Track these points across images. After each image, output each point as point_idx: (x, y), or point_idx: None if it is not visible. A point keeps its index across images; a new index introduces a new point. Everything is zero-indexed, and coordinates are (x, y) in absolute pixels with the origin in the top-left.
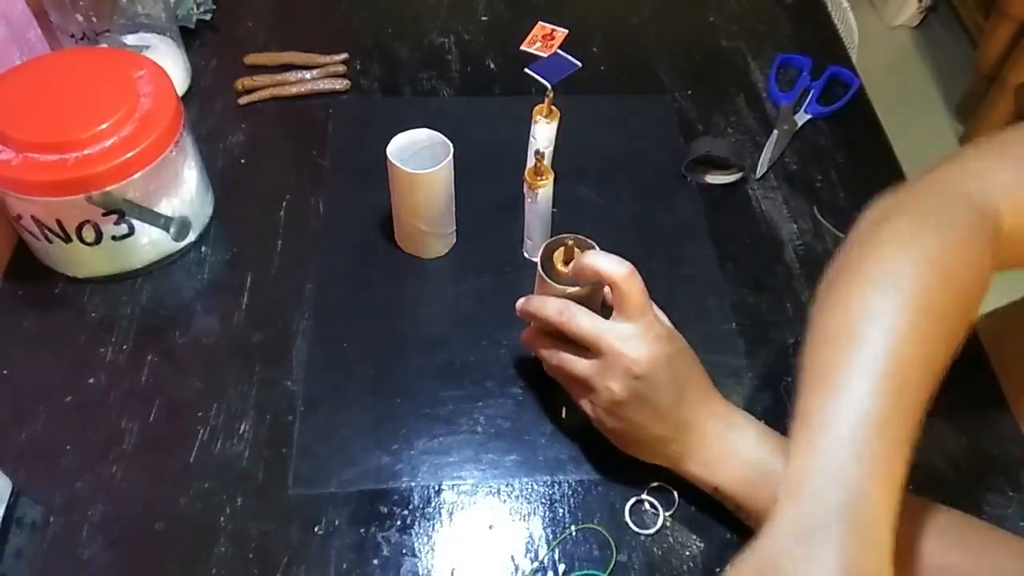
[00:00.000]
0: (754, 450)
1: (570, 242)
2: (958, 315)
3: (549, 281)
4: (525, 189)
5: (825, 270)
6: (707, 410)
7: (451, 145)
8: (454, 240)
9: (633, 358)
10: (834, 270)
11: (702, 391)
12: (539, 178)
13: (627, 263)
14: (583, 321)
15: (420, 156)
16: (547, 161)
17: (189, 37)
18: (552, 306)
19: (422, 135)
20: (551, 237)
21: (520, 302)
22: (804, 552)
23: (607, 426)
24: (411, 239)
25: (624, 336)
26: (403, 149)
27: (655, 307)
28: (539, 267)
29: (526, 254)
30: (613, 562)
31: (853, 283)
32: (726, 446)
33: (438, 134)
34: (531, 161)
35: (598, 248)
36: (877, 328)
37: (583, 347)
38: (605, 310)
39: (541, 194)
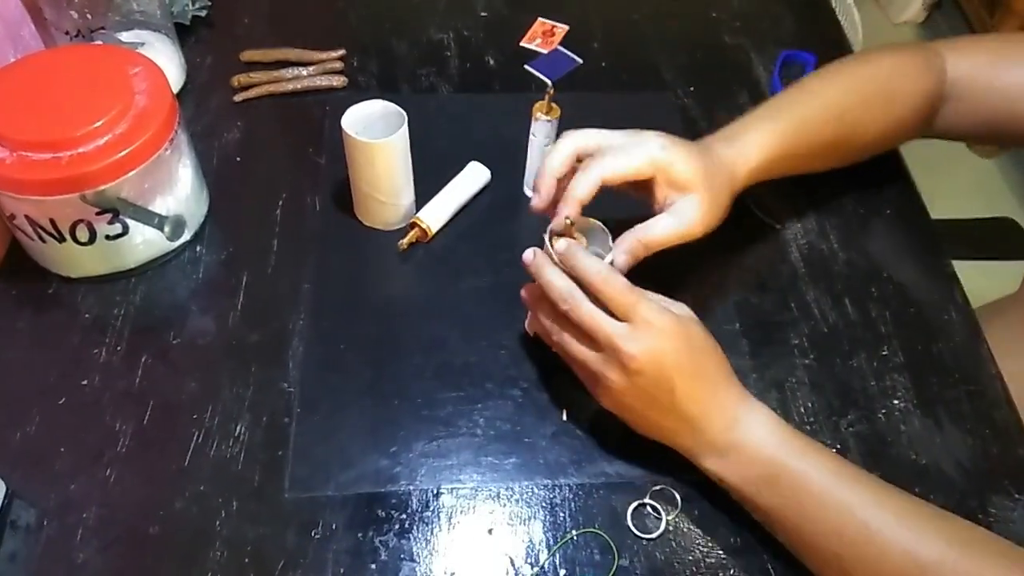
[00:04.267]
0: (763, 446)
1: (569, 222)
2: (876, 102)
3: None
4: (532, 122)
5: None
6: (715, 404)
7: (405, 115)
8: (414, 212)
9: (629, 354)
10: None
11: (711, 383)
12: (543, 113)
13: (603, 266)
14: (585, 312)
15: (375, 127)
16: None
17: (184, 34)
18: (558, 288)
19: (376, 106)
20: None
21: (527, 255)
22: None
23: (614, 412)
24: (369, 211)
25: (620, 334)
26: (358, 121)
27: (655, 297)
28: (547, 242)
29: (527, 190)
30: (615, 567)
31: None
32: (732, 441)
33: (392, 104)
34: (533, 153)
35: (609, 234)
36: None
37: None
38: None
39: (539, 128)
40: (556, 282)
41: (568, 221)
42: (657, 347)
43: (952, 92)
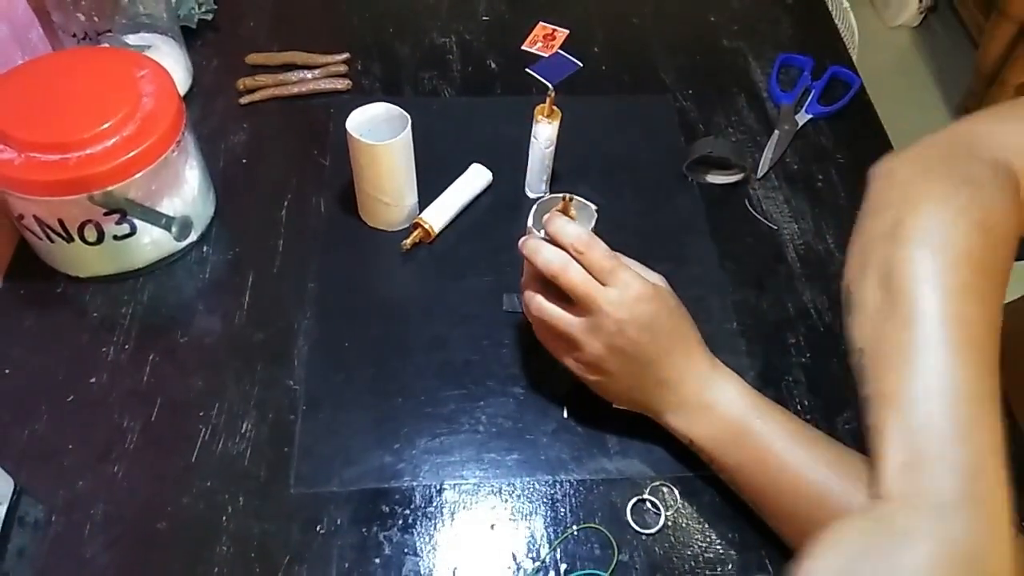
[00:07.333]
0: (731, 408)
1: (567, 197)
2: (1002, 270)
3: (536, 235)
4: (533, 125)
5: (851, 239)
6: (689, 367)
7: (408, 117)
8: (416, 212)
9: (615, 317)
10: (866, 237)
11: (686, 347)
12: (545, 117)
13: (586, 232)
14: (576, 276)
15: (379, 130)
16: (548, 162)
17: (190, 37)
18: (548, 253)
19: (380, 109)
20: (548, 185)
21: (522, 240)
22: (933, 528)
23: (589, 379)
24: (373, 212)
25: (606, 298)
26: (362, 123)
27: (635, 265)
28: (530, 222)
29: (528, 192)
30: (615, 561)
31: (894, 247)
32: (703, 402)
33: (395, 107)
34: (534, 161)
35: (596, 214)
36: (932, 291)
37: (570, 301)
38: None
39: (540, 131)
40: (544, 248)
41: (567, 197)
42: (638, 310)
43: None
